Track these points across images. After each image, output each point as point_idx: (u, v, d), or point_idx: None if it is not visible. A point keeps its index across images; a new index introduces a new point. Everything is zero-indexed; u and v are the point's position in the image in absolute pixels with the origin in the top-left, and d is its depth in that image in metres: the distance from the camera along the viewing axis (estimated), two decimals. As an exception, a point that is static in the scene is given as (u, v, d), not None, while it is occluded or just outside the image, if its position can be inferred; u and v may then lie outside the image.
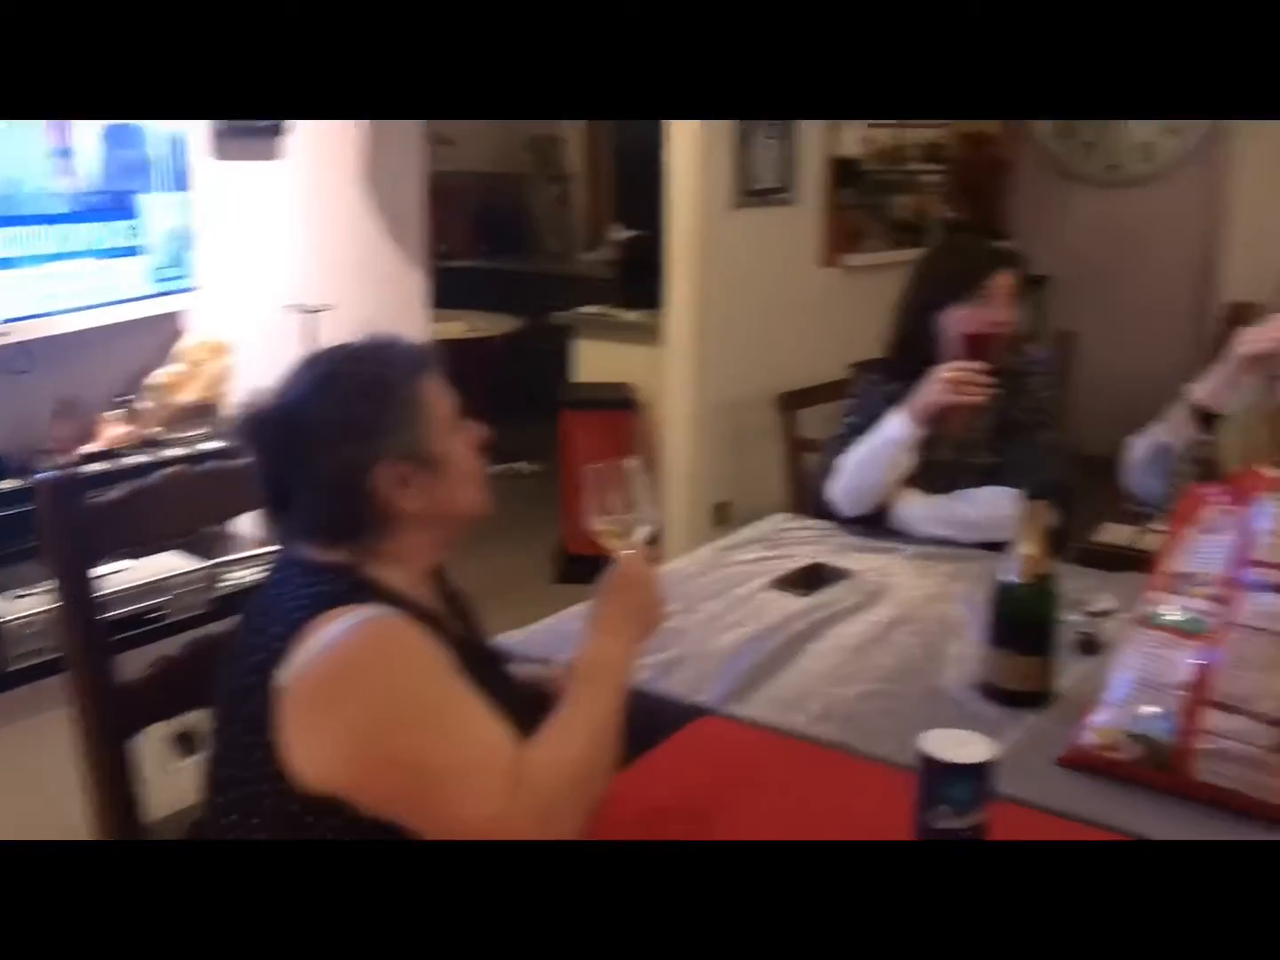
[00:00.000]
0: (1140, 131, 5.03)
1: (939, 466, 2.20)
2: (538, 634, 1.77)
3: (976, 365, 2.06)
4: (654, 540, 1.34)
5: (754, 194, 3.77)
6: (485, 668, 1.25)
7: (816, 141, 4.03)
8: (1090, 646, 1.72)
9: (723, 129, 3.63)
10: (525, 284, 5.84)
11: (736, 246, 3.79)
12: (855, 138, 4.13)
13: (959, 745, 1.16)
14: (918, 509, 2.18)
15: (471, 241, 6.34)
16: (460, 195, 6.19)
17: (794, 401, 3.60)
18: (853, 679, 1.64)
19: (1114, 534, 3.38)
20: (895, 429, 2.14)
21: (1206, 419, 1.98)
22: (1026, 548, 1.53)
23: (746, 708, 1.55)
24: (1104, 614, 1.85)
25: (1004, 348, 2.20)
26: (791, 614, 1.84)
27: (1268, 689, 1.28)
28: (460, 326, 5.03)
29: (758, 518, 2.41)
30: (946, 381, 2.07)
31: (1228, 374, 1.96)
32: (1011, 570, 1.54)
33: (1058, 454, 2.21)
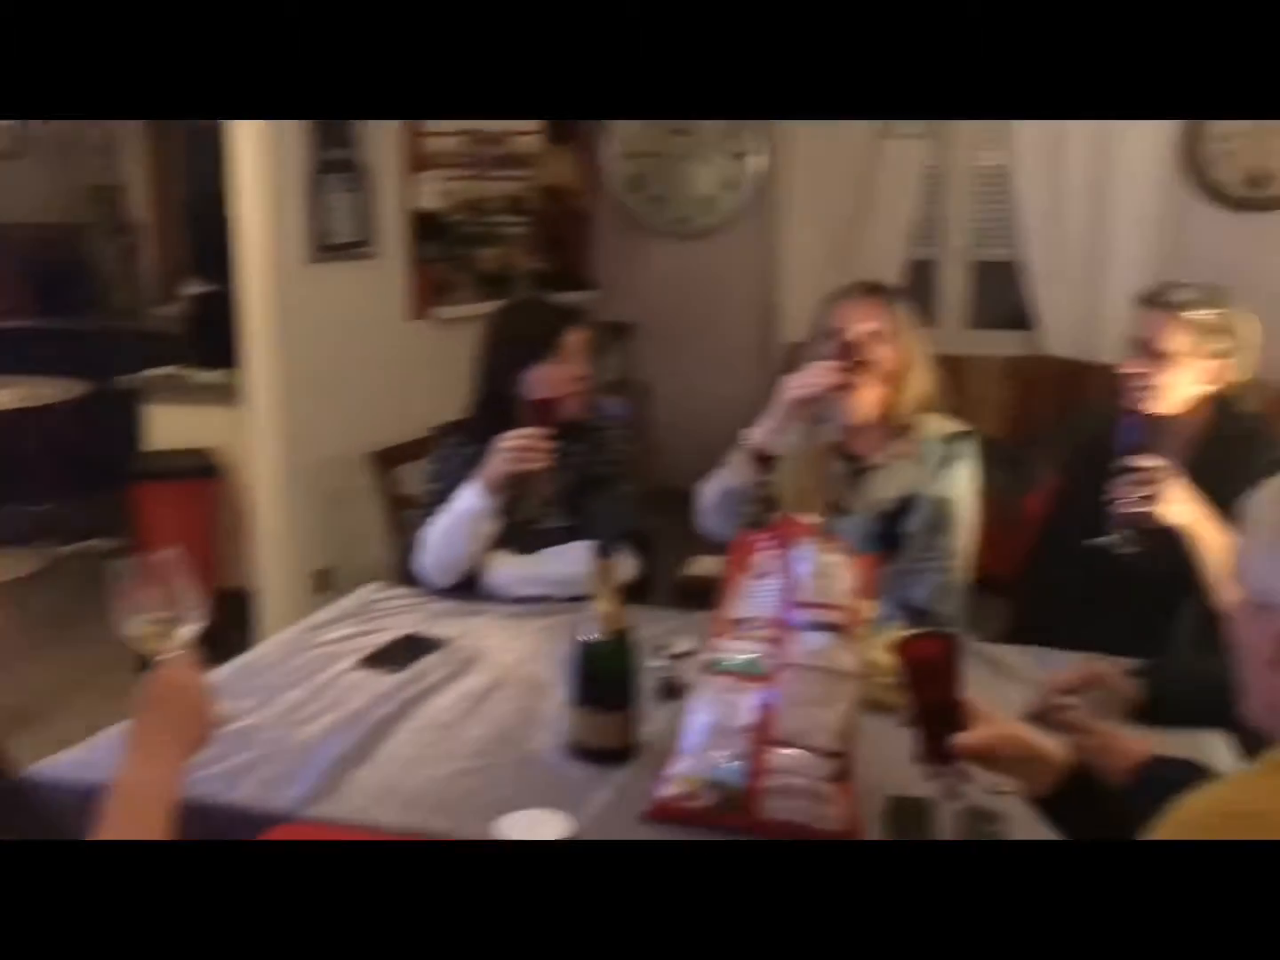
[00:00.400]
0: (703, 185, 5.40)
1: (525, 526, 2.21)
2: (100, 749, 1.56)
3: (538, 431, 2.07)
4: (200, 640, 1.23)
5: (332, 248, 3.66)
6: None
7: (395, 194, 3.99)
8: (673, 691, 1.77)
9: (291, 181, 3.50)
10: (89, 344, 5.35)
11: (317, 302, 3.66)
12: (435, 190, 4.13)
13: (535, 826, 1.14)
14: (508, 572, 2.17)
15: (23, 299, 5.74)
16: (9, 248, 5.60)
17: (389, 458, 3.52)
18: (444, 758, 1.59)
19: (705, 566, 3.57)
20: (469, 500, 2.12)
21: (763, 461, 2.12)
22: (601, 604, 1.55)
23: (329, 807, 1.45)
24: (685, 655, 1.92)
25: (581, 404, 2.24)
26: (379, 695, 1.77)
27: (822, 723, 1.36)
28: (10, 395, 4.50)
29: (364, 580, 2.32)
30: (509, 450, 2.07)
31: (777, 418, 2.10)
32: (589, 628, 1.56)
33: (633, 503, 2.28)
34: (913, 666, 1.26)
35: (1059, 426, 4.62)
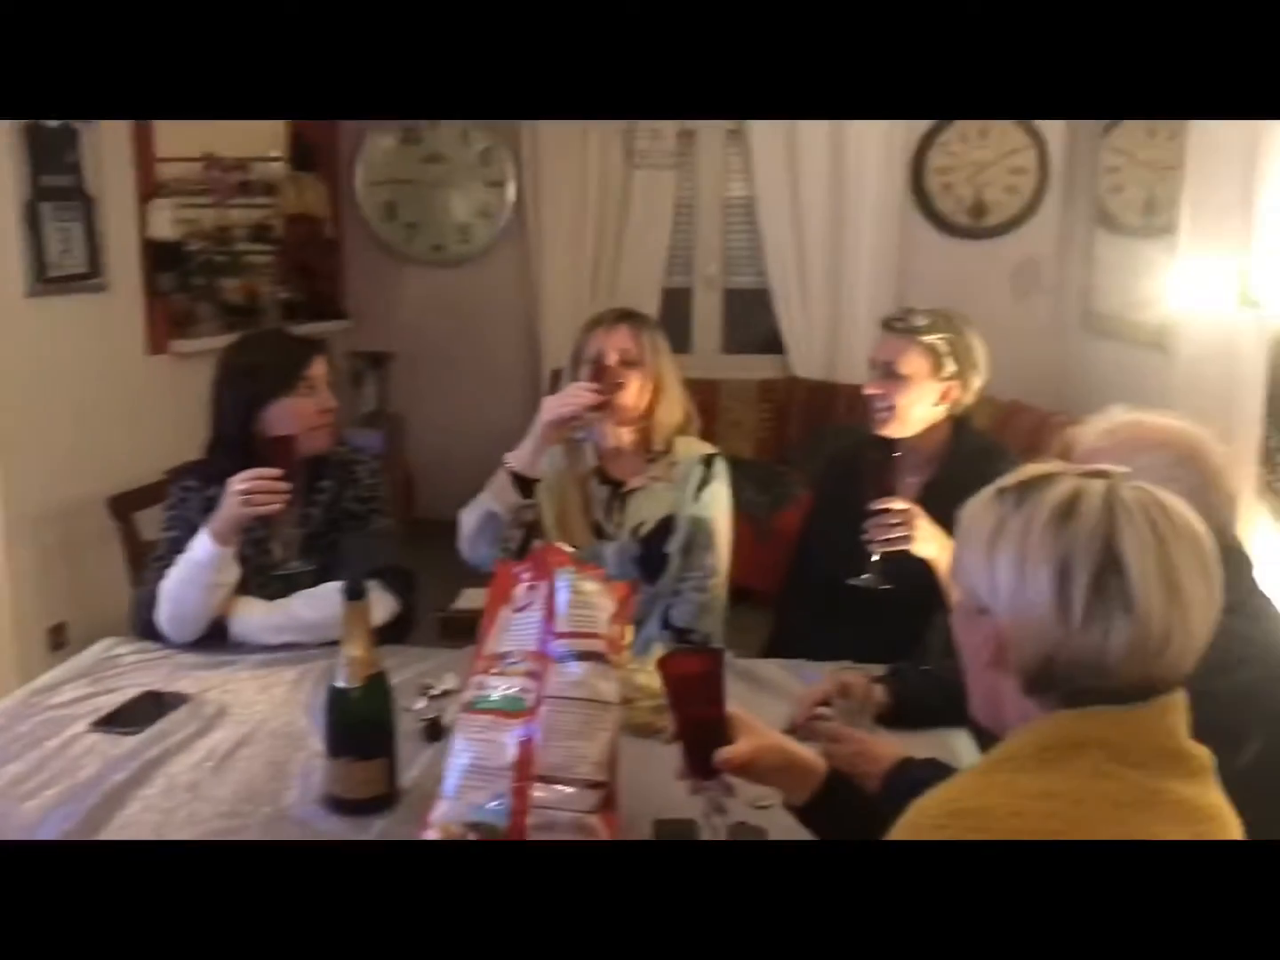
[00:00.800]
0: (458, 213, 5.35)
1: (272, 570, 2.10)
2: None
3: (271, 472, 1.96)
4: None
5: (55, 281, 3.40)
6: None
7: (126, 224, 3.76)
8: (435, 732, 1.72)
9: (2, 208, 3.24)
10: None
11: (39, 339, 3.39)
12: (170, 218, 3.91)
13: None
14: (255, 619, 2.05)
15: None
16: None
17: (129, 503, 3.30)
18: (188, 822, 1.49)
19: (472, 599, 3.51)
20: (201, 550, 1.99)
21: (524, 485, 2.10)
22: (352, 650, 1.49)
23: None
24: (447, 695, 1.88)
25: (327, 439, 2.16)
26: (115, 759, 1.64)
27: (583, 755, 1.35)
28: None
29: (105, 635, 2.15)
30: (240, 493, 1.94)
31: (535, 440, 2.09)
32: (341, 675, 1.49)
33: (391, 539, 2.19)
34: (674, 683, 1.26)
35: (808, 445, 4.85)
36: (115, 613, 3.45)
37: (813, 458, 4.76)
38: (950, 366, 2.14)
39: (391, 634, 2.05)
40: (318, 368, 2.13)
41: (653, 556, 2.19)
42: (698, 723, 1.26)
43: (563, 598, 1.43)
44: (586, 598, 1.43)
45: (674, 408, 2.22)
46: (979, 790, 0.94)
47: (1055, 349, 4.92)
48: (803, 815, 1.28)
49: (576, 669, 1.38)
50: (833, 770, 1.28)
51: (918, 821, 0.93)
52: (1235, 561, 1.41)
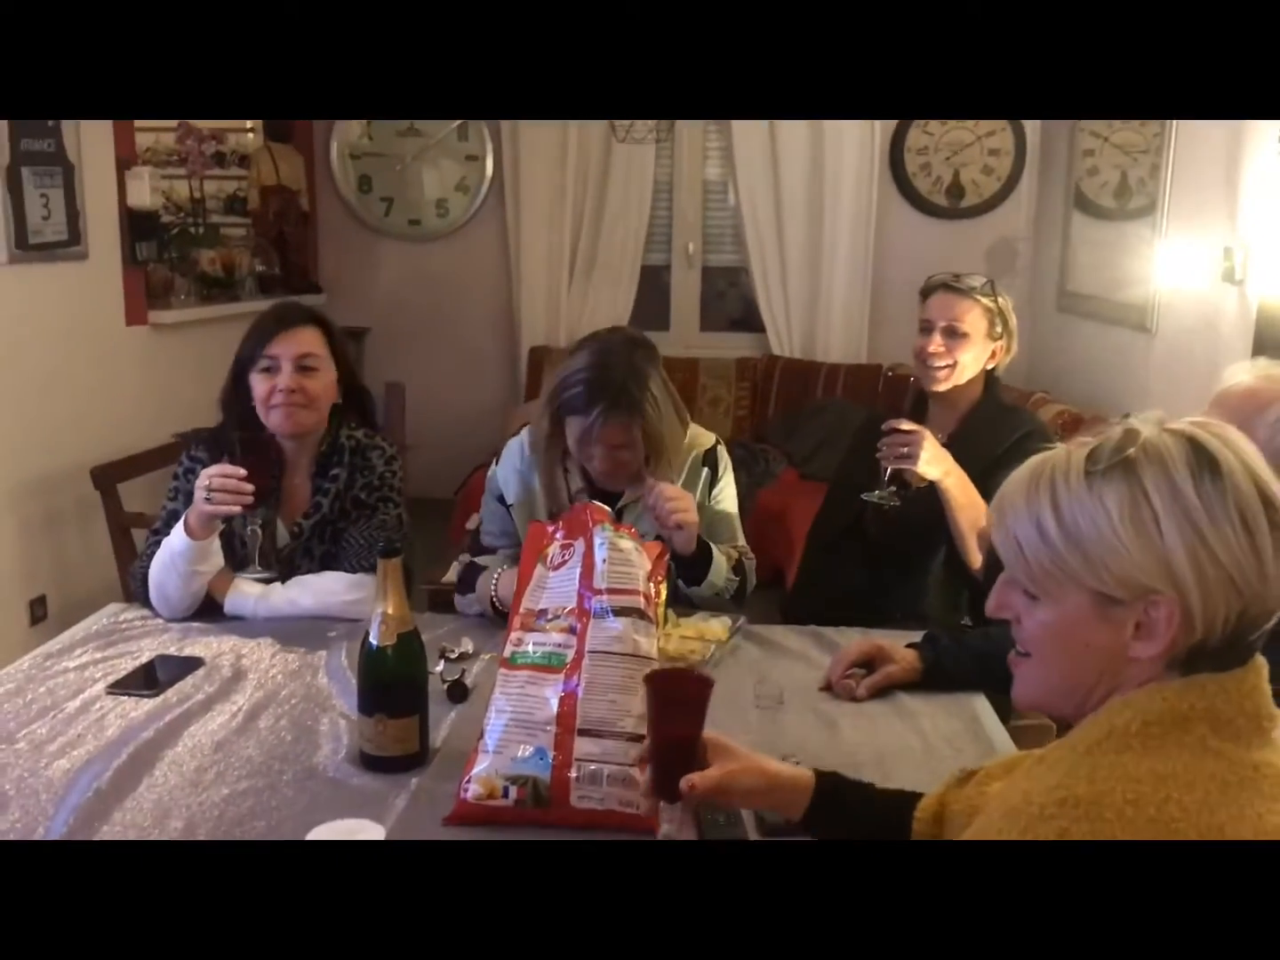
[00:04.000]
0: (435, 188, 5.32)
1: (276, 553, 2.07)
2: None
3: (236, 470, 1.88)
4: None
5: (36, 248, 3.34)
6: None
7: (104, 191, 3.69)
8: (459, 692, 1.73)
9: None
10: None
11: (19, 306, 3.33)
12: (149, 188, 3.85)
13: (350, 835, 1.08)
14: (248, 601, 2.02)
15: None
16: None
17: (113, 474, 3.26)
18: (218, 781, 1.48)
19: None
20: (177, 539, 1.94)
21: None
22: (386, 607, 1.49)
23: (100, 835, 1.32)
24: (465, 657, 1.89)
25: (291, 419, 2.04)
26: (137, 721, 1.63)
27: (625, 709, 1.36)
28: None
29: (88, 609, 2.12)
30: (205, 489, 1.87)
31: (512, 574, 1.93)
32: (374, 632, 1.49)
33: (399, 527, 2.12)
34: (660, 701, 1.22)
35: (787, 423, 4.88)
36: (95, 585, 3.42)
37: (791, 435, 4.81)
38: (1000, 327, 2.24)
39: None
40: (283, 345, 2.01)
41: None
42: (674, 742, 1.21)
43: (600, 554, 1.44)
44: (625, 554, 1.44)
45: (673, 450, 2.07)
46: (1087, 775, 0.88)
47: (1030, 328, 4.98)
48: (808, 825, 1.24)
49: (616, 624, 1.39)
50: (820, 775, 1.24)
51: (1023, 810, 0.87)
52: None
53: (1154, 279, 3.58)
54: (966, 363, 2.22)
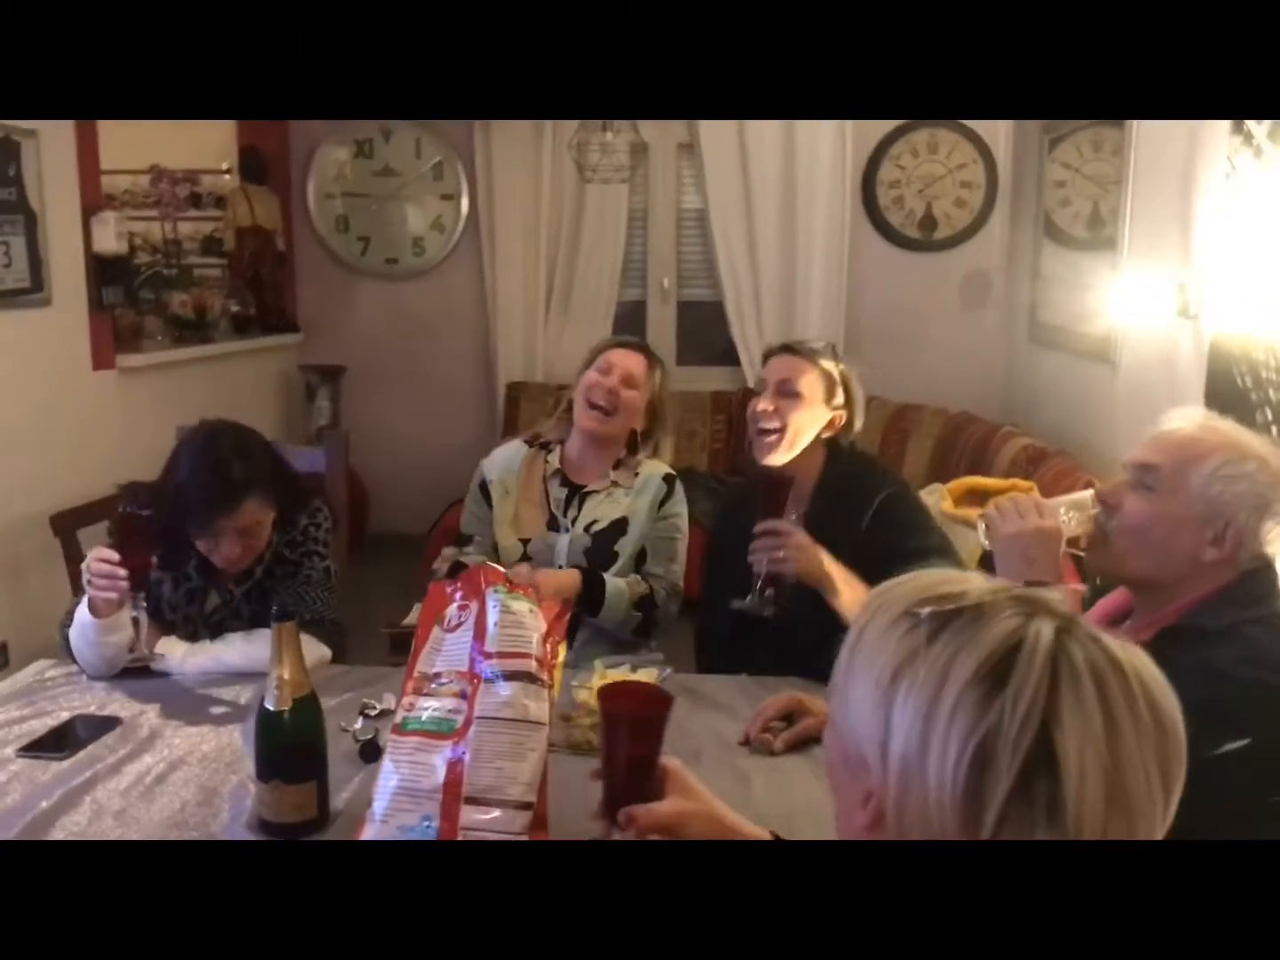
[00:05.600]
0: (412, 226, 5.34)
1: (201, 620, 2.09)
2: None
3: (110, 555, 1.86)
4: None
5: (-5, 296, 3.36)
6: None
7: (69, 237, 3.71)
8: (371, 752, 1.71)
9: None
10: None
11: (-21, 354, 3.34)
12: (115, 232, 3.86)
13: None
14: (177, 660, 2.01)
15: None
16: None
17: (71, 520, 3.25)
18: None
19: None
20: (83, 614, 1.94)
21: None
22: (281, 671, 1.47)
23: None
24: (385, 714, 1.86)
25: (243, 563, 2.07)
26: (42, 785, 1.61)
27: (512, 776, 1.34)
28: None
29: (48, 657, 2.12)
30: (90, 574, 1.87)
31: None
32: (270, 697, 1.48)
33: (324, 587, 2.10)
34: (616, 719, 1.16)
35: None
36: (56, 633, 3.40)
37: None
38: (841, 396, 2.12)
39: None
40: (231, 520, 1.97)
41: (603, 551, 2.28)
42: (625, 762, 1.15)
43: (493, 617, 1.42)
44: (517, 617, 1.42)
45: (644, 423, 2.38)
46: None
47: (1003, 360, 4.98)
48: None
49: (506, 689, 1.37)
50: (776, 840, 1.15)
51: None
52: (1269, 575, 1.46)
53: (1114, 312, 3.57)
54: (799, 426, 2.08)
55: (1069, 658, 0.71)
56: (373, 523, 5.22)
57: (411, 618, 3.47)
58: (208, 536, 1.99)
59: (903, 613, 0.77)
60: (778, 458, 2.09)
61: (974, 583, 0.78)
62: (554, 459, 2.38)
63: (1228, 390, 2.68)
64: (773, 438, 2.08)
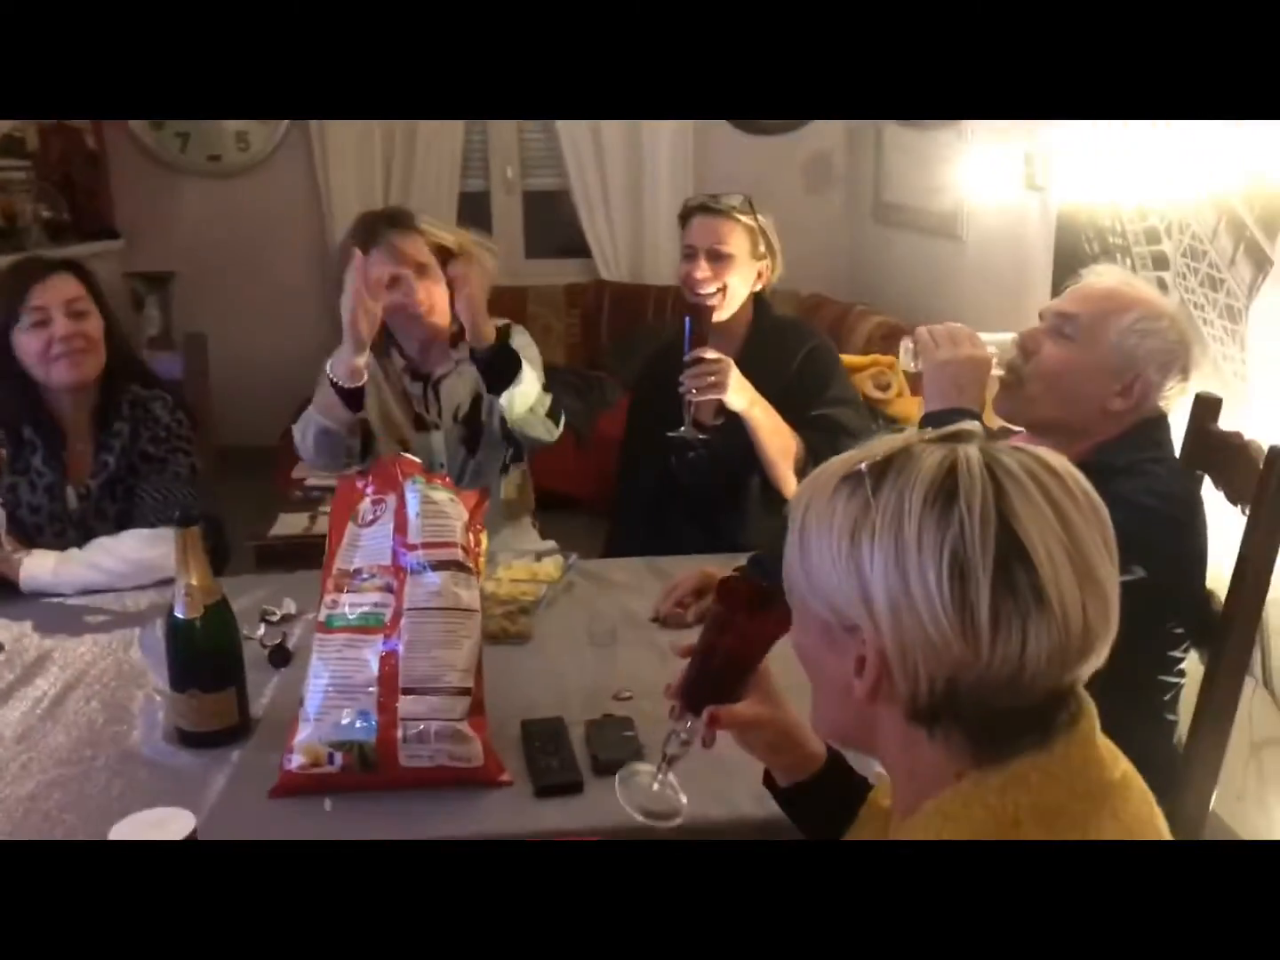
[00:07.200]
0: (233, 121, 5.02)
1: (67, 519, 2.00)
2: None
3: None
4: None
5: None
6: None
7: None
8: (281, 657, 1.67)
9: None
10: None
11: None
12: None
13: (157, 826, 1.02)
14: (44, 573, 1.91)
15: None
16: None
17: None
18: (23, 774, 1.39)
19: (288, 525, 3.40)
20: None
21: (350, 395, 2.02)
22: (189, 579, 1.41)
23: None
24: (288, 619, 1.82)
25: (77, 368, 1.97)
26: (-72, 718, 1.52)
27: (449, 663, 1.33)
28: None
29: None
30: None
31: (349, 347, 1.99)
32: (180, 606, 1.42)
33: (193, 480, 2.05)
34: (736, 613, 1.06)
35: (621, 348, 4.85)
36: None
37: (626, 361, 4.79)
38: (763, 245, 2.17)
39: None
40: (48, 294, 1.94)
41: (476, 433, 2.24)
42: (726, 657, 1.07)
43: (413, 508, 1.39)
44: (439, 506, 1.40)
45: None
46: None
47: (849, 240, 5.06)
48: (782, 798, 1.13)
49: (435, 579, 1.35)
50: (830, 762, 1.11)
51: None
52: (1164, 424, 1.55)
53: (961, 187, 3.66)
54: (735, 285, 2.14)
55: (1002, 465, 0.76)
56: (217, 436, 5.00)
57: (276, 528, 3.38)
58: (32, 326, 1.93)
59: (840, 480, 0.81)
60: (722, 316, 2.14)
61: (892, 440, 0.82)
62: (396, 355, 2.25)
63: (1076, 259, 2.79)
64: (715, 298, 2.13)
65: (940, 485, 0.75)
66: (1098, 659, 0.78)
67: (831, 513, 0.80)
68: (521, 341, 2.19)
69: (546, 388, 2.13)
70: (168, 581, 1.87)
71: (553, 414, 2.13)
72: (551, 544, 2.28)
